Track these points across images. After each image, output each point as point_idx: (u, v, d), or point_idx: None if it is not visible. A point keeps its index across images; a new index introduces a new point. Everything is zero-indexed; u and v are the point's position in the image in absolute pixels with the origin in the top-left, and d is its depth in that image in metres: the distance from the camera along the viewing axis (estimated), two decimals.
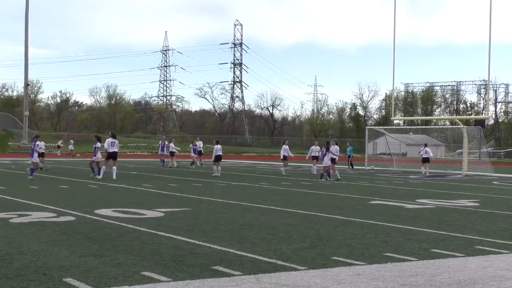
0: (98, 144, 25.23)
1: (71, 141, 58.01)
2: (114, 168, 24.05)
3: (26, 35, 64.82)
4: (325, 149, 27.57)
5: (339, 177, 27.32)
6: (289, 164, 34.43)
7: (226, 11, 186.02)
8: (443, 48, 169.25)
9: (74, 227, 10.38)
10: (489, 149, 69.40)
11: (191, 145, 40.09)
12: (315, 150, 33.01)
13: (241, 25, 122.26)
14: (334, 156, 28.09)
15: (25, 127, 67.00)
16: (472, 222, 12.50)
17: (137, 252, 8.12)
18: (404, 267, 7.52)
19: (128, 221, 11.17)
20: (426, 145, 36.27)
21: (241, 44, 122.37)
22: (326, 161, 26.99)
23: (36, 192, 17.39)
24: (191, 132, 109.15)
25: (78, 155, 55.32)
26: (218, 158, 28.23)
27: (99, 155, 24.95)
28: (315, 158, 32.68)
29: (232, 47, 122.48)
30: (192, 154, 38.31)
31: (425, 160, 34.89)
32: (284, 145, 33.03)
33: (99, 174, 23.79)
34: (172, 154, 37.55)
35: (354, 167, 39.04)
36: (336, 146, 29.22)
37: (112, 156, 24.15)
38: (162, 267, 7.18)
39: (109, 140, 24.32)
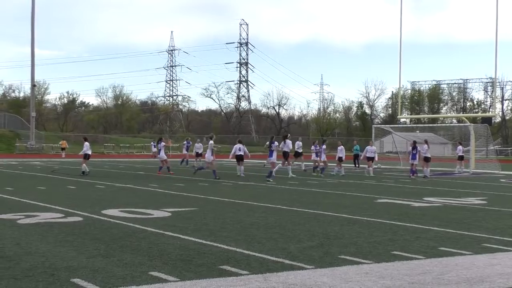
0: None
1: (152, 143, 55.96)
2: (241, 168, 27.97)
3: (33, 36, 64.96)
4: (413, 148, 29.26)
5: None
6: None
7: (229, 11, 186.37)
8: (449, 46, 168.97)
9: (82, 227, 10.40)
10: (496, 146, 69.17)
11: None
12: (370, 150, 31.35)
13: (247, 24, 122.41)
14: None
15: (32, 128, 67.13)
16: (479, 220, 12.46)
17: (144, 252, 8.13)
18: (412, 265, 7.50)
19: (135, 221, 11.18)
20: (460, 143, 36.59)
21: (247, 43, 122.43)
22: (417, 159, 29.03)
23: (44, 193, 17.44)
24: (197, 132, 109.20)
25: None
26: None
27: None
28: (371, 159, 31.13)
29: (238, 47, 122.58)
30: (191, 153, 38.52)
31: (460, 158, 35.20)
32: (368, 146, 31.77)
33: None
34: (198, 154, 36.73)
35: (360, 165, 38.96)
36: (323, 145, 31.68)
37: (239, 158, 28.26)
38: (170, 267, 7.18)
39: (237, 146, 28.40)
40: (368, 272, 7.01)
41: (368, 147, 31.68)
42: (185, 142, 40.33)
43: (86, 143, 27.49)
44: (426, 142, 29.71)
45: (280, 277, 6.71)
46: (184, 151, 39.26)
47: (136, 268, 7.06)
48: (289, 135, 30.08)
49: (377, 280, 6.60)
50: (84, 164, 27.17)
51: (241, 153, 27.96)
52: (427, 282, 6.59)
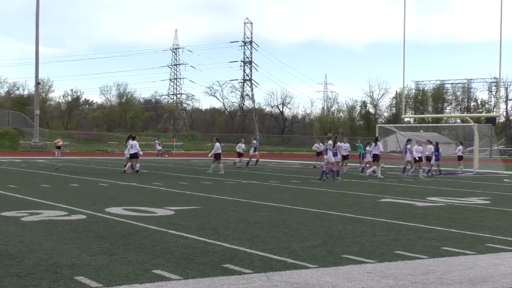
0: None
1: (157, 141, 55.02)
2: (221, 165, 28.16)
3: (37, 34, 65.05)
4: (436, 150, 30.38)
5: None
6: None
7: (233, 10, 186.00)
8: (453, 46, 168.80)
9: (85, 225, 10.42)
10: (500, 146, 69.04)
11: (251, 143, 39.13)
12: (417, 150, 29.03)
13: (251, 23, 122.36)
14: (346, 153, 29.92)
15: (36, 125, 67.29)
16: (483, 219, 12.45)
17: (147, 250, 8.14)
18: (415, 265, 7.50)
19: (138, 220, 11.20)
20: (461, 143, 36.78)
21: (251, 42, 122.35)
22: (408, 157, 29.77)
23: (47, 191, 17.47)
24: (201, 131, 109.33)
25: (167, 155, 54.55)
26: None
27: None
28: (420, 160, 29.04)
29: (242, 45, 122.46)
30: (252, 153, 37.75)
31: (460, 158, 35.39)
32: (416, 146, 29.60)
33: None
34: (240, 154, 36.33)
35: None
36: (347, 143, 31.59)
37: (218, 156, 28.45)
38: (173, 265, 7.19)
39: (217, 144, 28.50)
40: (371, 272, 7.01)
41: (416, 147, 29.53)
42: (254, 141, 38.74)
43: (130, 142, 27.35)
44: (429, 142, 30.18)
45: (283, 276, 6.71)
46: (252, 151, 37.82)
47: (139, 266, 7.07)
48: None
49: (380, 280, 6.60)
50: (133, 164, 27.46)
51: (220, 151, 28.45)
52: (430, 281, 6.59)
